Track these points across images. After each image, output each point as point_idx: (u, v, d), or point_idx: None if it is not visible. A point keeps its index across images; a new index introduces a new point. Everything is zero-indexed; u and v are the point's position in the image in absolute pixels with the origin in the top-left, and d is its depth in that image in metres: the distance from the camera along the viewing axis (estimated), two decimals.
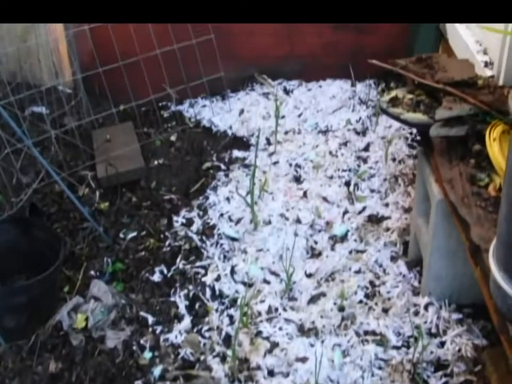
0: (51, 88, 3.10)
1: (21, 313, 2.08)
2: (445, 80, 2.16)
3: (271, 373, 2.06)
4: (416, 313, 2.23)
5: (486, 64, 2.59)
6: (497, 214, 1.62)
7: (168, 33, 3.19)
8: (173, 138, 3.22)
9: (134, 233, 2.59)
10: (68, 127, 2.95)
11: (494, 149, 1.86)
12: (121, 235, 2.59)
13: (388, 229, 2.62)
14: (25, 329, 2.12)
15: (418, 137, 3.11)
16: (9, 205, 2.43)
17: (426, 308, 2.24)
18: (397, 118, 2.18)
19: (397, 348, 2.13)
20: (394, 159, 3.01)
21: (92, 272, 2.40)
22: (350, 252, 2.52)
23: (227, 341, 2.16)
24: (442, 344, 2.13)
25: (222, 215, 2.69)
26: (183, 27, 3.21)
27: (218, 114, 3.44)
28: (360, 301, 2.30)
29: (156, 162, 3.00)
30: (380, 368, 2.08)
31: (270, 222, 2.65)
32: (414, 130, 3.15)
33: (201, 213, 2.71)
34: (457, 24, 3.05)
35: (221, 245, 2.54)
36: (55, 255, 2.18)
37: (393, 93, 2.29)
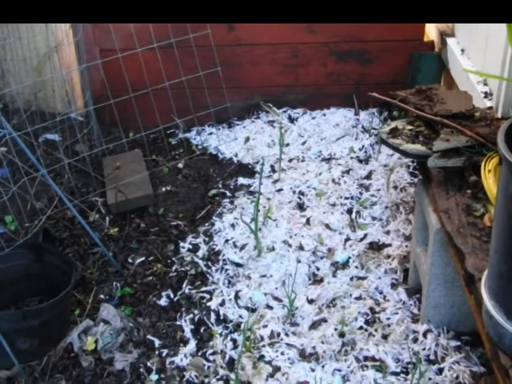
0: (64, 116, 3.20)
1: (33, 335, 2.15)
2: (443, 112, 2.24)
3: None
4: (415, 340, 2.28)
5: (486, 95, 2.68)
6: None
7: (177, 66, 3.29)
8: (180, 165, 3.32)
9: (142, 259, 2.67)
10: (81, 155, 3.05)
11: (489, 181, 1.93)
12: (129, 260, 2.67)
13: (388, 256, 2.68)
14: (38, 351, 2.19)
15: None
16: (24, 230, 2.52)
17: (425, 335, 2.29)
18: (396, 148, 2.26)
19: (395, 374, 2.18)
20: (396, 187, 3.08)
21: (101, 296, 2.48)
22: (351, 279, 2.58)
23: (230, 364, 2.22)
24: (440, 371, 2.17)
25: (227, 241, 2.77)
26: (192, 61, 3.32)
27: (225, 142, 3.53)
28: (360, 327, 2.36)
29: (163, 189, 3.09)
30: None
31: (273, 249, 2.72)
32: None
33: (207, 239, 2.79)
34: (458, 55, 3.14)
35: (226, 270, 2.62)
36: (66, 280, 2.26)
37: (393, 124, 2.38)
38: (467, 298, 1.82)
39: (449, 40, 3.33)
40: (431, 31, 3.63)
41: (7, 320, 2.11)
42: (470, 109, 2.29)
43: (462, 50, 3.17)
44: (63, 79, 3.55)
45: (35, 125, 3.15)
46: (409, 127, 2.37)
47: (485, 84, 2.78)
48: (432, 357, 2.22)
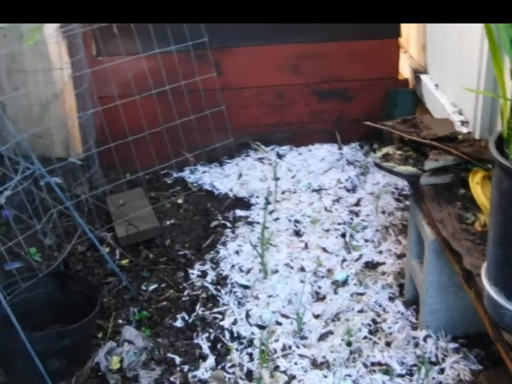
0: (66, 162, 3.37)
1: (64, 356, 2.28)
2: (430, 136, 2.51)
3: None
4: (416, 345, 2.48)
5: (462, 123, 2.96)
6: (484, 245, 1.94)
7: (170, 111, 3.47)
8: (179, 201, 3.52)
9: (155, 286, 2.84)
10: (97, 191, 3.22)
11: (478, 191, 2.19)
12: (143, 287, 2.83)
13: (384, 273, 2.89)
14: (67, 371, 2.31)
15: (403, 192, 3.46)
16: (45, 261, 2.68)
17: (425, 339, 2.48)
18: (390, 171, 2.50)
19: (401, 375, 2.36)
20: (383, 212, 3.32)
21: (120, 321, 2.63)
22: (352, 295, 2.78)
23: (249, 375, 2.38)
24: (442, 370, 2.36)
25: (233, 266, 2.96)
26: (180, 107, 3.48)
27: (219, 178, 3.75)
28: (365, 337, 2.55)
29: (167, 222, 3.29)
30: None
31: (277, 271, 2.91)
32: (400, 186, 3.49)
33: (213, 265, 2.97)
34: (433, 89, 3.44)
35: (235, 292, 2.79)
36: (89, 305, 2.40)
37: (384, 150, 2.63)
38: (465, 299, 2.04)
39: (423, 77, 3.64)
40: (405, 69, 3.95)
41: (41, 341, 2.24)
42: (453, 132, 2.56)
43: (436, 86, 3.47)
44: (62, 125, 3.74)
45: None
46: (399, 152, 2.62)
47: (460, 114, 3.07)
48: (433, 359, 2.41)
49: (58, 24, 3.40)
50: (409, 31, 3.98)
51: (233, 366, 2.42)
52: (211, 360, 2.45)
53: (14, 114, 3.47)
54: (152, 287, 2.83)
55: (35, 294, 2.50)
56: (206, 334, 2.57)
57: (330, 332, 2.58)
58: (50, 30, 3.33)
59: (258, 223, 3.27)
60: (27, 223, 2.74)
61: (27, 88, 3.40)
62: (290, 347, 2.51)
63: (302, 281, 2.83)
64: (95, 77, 3.61)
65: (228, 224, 3.30)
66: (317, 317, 2.67)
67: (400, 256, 2.97)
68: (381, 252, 3.03)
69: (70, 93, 3.67)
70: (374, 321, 2.62)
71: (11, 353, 2.31)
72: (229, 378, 2.37)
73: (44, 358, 2.23)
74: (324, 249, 3.08)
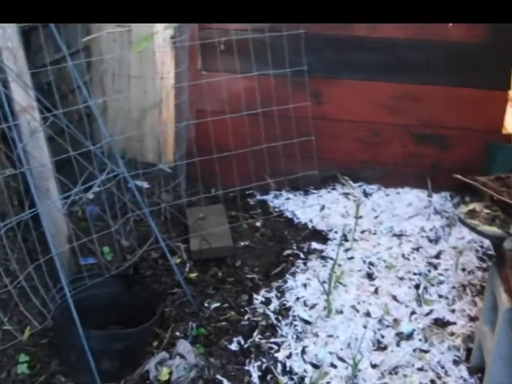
0: (156, 167, 3.46)
1: (117, 358, 2.31)
2: None
3: None
4: None
5: None
6: None
7: (259, 133, 3.47)
8: (258, 224, 3.52)
9: (217, 304, 2.84)
10: (178, 202, 3.30)
11: None
12: (205, 304, 2.84)
13: (452, 334, 2.76)
14: (117, 373, 2.34)
15: (489, 251, 3.30)
16: (116, 262, 2.74)
17: None
18: (473, 229, 2.39)
19: None
20: (464, 269, 3.18)
21: (177, 333, 2.64)
22: (414, 350, 2.66)
23: None
24: None
25: (298, 299, 2.91)
26: (271, 130, 3.46)
27: (301, 207, 3.72)
28: None
29: (242, 243, 3.30)
30: None
31: (341, 312, 2.84)
32: (485, 244, 3.33)
33: (279, 294, 2.94)
34: None
35: (295, 326, 2.75)
36: (150, 312, 2.43)
37: (471, 206, 2.52)
38: None
39: None
40: (511, 124, 3.78)
41: (97, 340, 2.28)
42: None
43: None
44: (157, 133, 3.84)
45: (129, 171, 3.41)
46: (486, 210, 2.50)
47: None
48: None
49: (168, 35, 3.52)
50: None
51: None
52: None
53: (114, 116, 3.61)
54: (214, 305, 2.83)
55: (101, 293, 2.57)
56: (258, 363, 2.54)
57: None
58: (160, 39, 3.44)
59: (331, 259, 3.21)
60: (107, 222, 2.82)
61: (129, 93, 3.51)
62: None
63: (365, 327, 2.75)
64: (194, 90, 3.70)
65: (301, 255, 3.27)
66: (374, 366, 2.57)
67: (473, 319, 2.83)
68: (453, 311, 2.90)
69: (171, 102, 3.77)
70: (433, 382, 2.50)
71: (68, 346, 2.37)
72: None
73: (98, 356, 2.27)
74: (394, 298, 2.98)
